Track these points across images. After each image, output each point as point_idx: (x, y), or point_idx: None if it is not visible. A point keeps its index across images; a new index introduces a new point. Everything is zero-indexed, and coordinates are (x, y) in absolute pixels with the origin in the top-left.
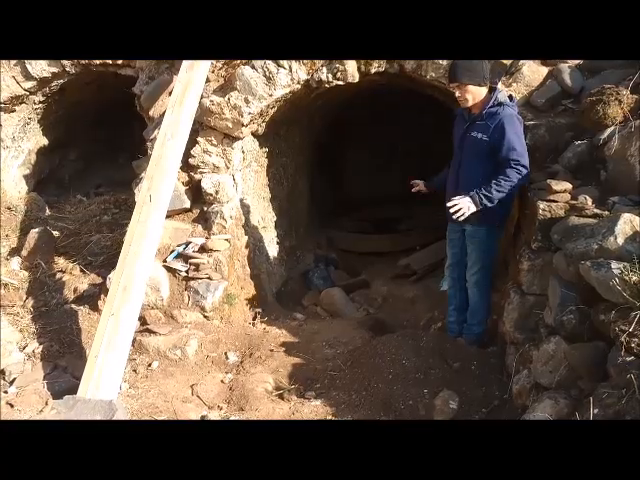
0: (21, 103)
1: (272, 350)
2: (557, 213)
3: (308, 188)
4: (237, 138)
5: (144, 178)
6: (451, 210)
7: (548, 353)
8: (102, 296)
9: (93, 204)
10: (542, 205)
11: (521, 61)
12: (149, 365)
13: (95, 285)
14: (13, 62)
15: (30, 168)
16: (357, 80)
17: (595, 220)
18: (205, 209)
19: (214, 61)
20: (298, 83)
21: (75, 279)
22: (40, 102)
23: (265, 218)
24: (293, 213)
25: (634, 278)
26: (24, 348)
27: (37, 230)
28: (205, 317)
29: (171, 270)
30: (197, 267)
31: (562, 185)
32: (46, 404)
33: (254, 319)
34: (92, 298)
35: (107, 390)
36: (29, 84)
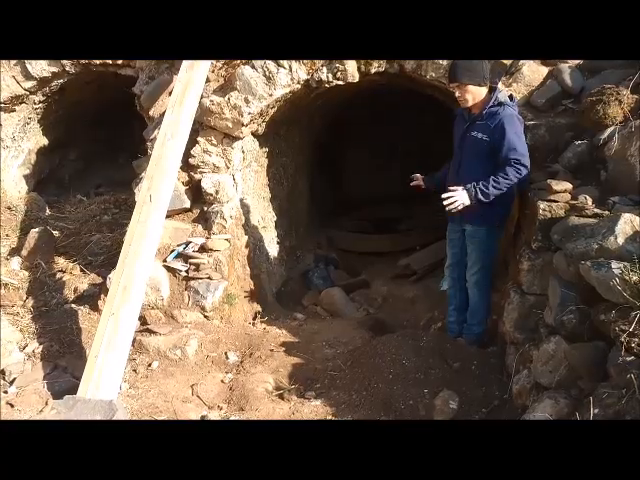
0: (21, 103)
1: (272, 350)
2: (557, 213)
3: (308, 188)
4: (237, 138)
5: (144, 178)
6: (445, 202)
7: (548, 353)
8: (102, 296)
9: (93, 204)
10: (542, 205)
11: (521, 61)
12: (149, 365)
13: (95, 285)
14: (13, 62)
15: (30, 168)
16: (357, 80)
17: (595, 220)
18: (205, 209)
19: (214, 61)
20: (298, 83)
21: (75, 279)
22: (40, 102)
23: (265, 218)
24: (293, 213)
25: (634, 278)
26: (24, 348)
27: (37, 230)
28: (205, 317)
29: (171, 270)
30: (197, 267)
31: (562, 185)
32: (46, 404)
33: (254, 319)
34: (92, 298)
35: (107, 390)
36: (29, 84)
